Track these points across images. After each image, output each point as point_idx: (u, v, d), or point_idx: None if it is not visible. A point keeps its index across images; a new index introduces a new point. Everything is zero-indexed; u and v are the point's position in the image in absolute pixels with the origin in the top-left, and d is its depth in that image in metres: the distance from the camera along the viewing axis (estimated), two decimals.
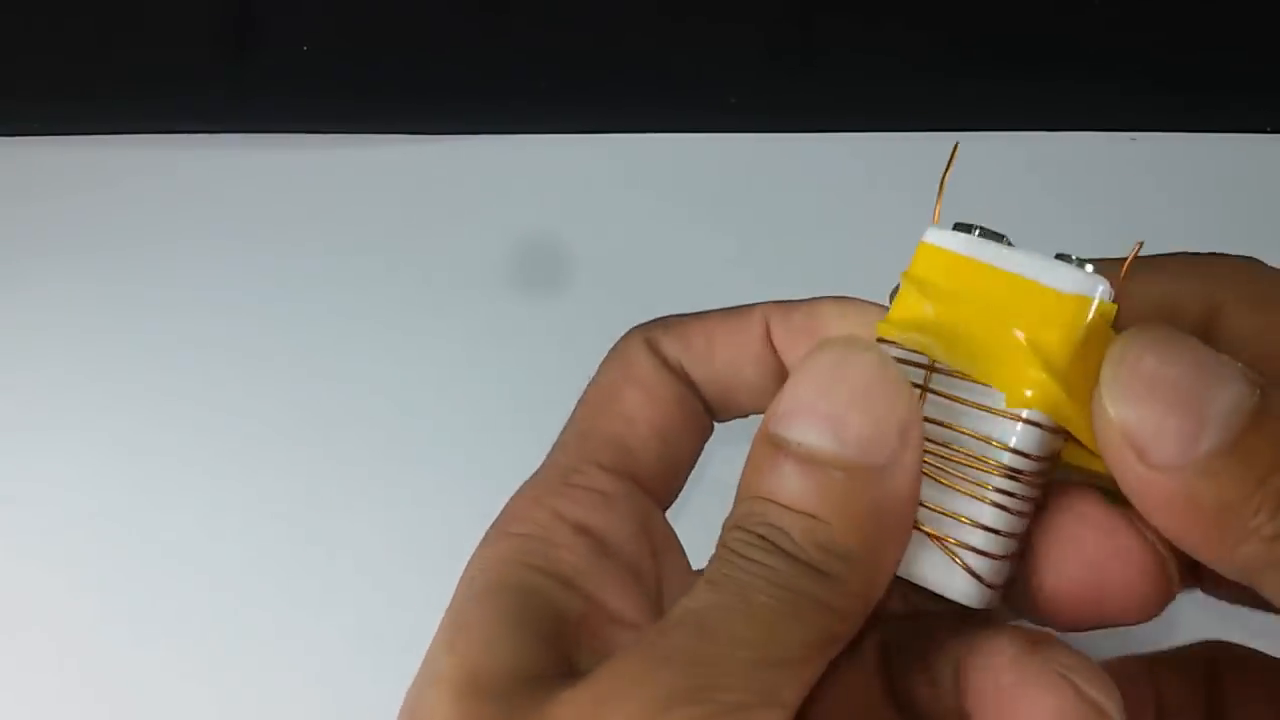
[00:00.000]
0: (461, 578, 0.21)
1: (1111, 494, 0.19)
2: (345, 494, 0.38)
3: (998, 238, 0.21)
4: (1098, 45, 0.48)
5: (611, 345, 0.24)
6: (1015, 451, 0.19)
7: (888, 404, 0.18)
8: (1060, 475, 0.21)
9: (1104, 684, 0.19)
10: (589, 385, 0.23)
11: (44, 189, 0.48)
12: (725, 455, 0.23)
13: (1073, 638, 0.20)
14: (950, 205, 0.47)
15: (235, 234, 0.46)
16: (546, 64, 0.49)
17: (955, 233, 0.22)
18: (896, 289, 0.22)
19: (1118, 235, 0.48)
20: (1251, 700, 0.24)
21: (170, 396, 0.41)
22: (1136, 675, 0.24)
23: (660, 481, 0.23)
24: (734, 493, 0.19)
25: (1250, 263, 0.23)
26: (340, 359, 0.42)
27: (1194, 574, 0.23)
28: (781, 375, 0.22)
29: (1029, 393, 0.19)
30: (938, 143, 0.51)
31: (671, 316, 0.23)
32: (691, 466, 0.24)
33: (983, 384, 0.19)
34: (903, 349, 0.20)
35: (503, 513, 0.22)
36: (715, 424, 0.24)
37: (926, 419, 0.19)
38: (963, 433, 0.19)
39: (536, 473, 0.23)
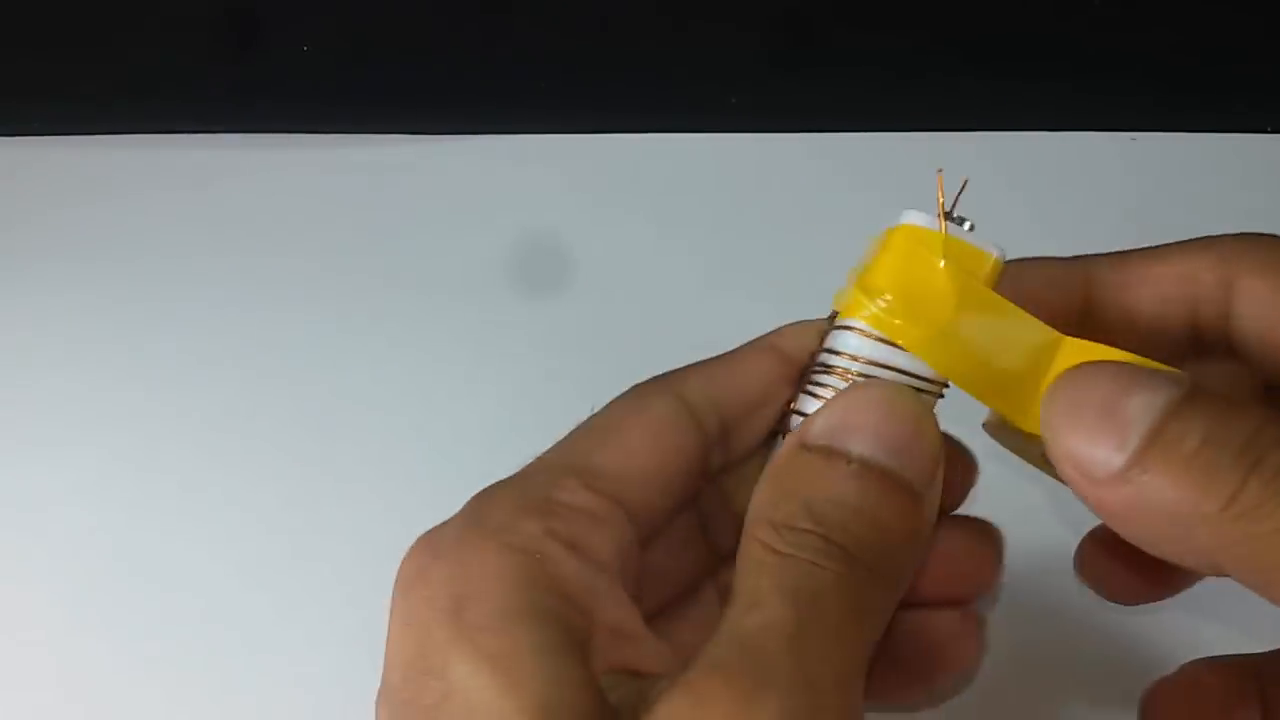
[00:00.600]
0: (450, 574, 0.20)
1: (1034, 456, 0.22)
2: (344, 492, 0.38)
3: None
4: (1098, 45, 0.48)
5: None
6: (827, 349, 0.23)
7: (934, 440, 0.21)
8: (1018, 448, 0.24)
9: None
10: (592, 415, 0.23)
11: (44, 189, 0.48)
12: None
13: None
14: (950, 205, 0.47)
15: (235, 234, 0.46)
16: (547, 64, 0.49)
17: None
18: None
19: (1118, 235, 0.48)
20: None
21: (170, 396, 0.41)
22: (1244, 674, 0.26)
23: (646, 516, 0.22)
24: None
25: (1267, 238, 0.24)
26: (340, 359, 0.42)
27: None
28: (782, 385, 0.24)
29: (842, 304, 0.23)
30: (938, 143, 0.51)
31: (686, 366, 0.24)
32: (677, 510, 0.24)
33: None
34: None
35: (478, 511, 0.21)
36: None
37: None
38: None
39: (513, 480, 0.22)
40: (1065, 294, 0.25)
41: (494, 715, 0.18)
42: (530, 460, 0.23)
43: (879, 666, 0.21)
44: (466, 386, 0.41)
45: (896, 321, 0.22)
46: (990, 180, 0.46)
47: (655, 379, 0.23)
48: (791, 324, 0.25)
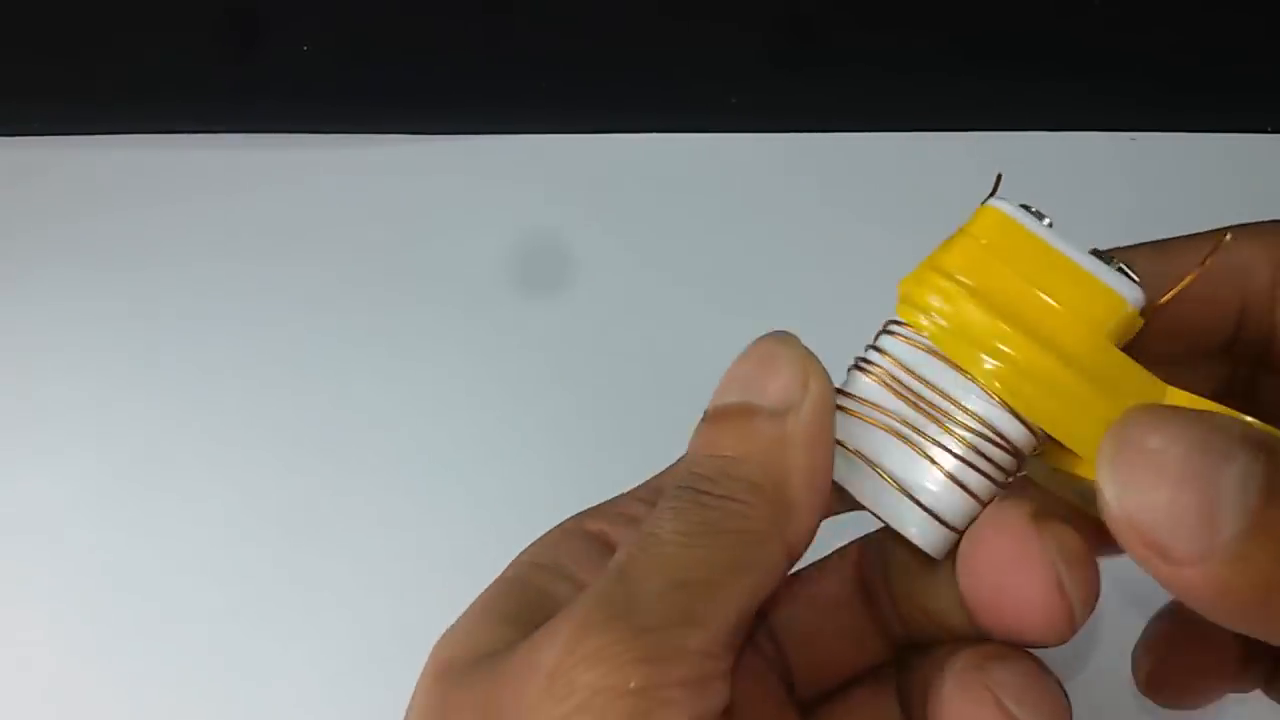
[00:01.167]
0: None
1: (1087, 502, 0.19)
2: (344, 491, 0.38)
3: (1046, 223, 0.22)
4: (1098, 45, 0.48)
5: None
6: (982, 422, 0.20)
7: (789, 360, 0.20)
8: (1047, 479, 0.21)
9: (1036, 705, 0.19)
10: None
11: (45, 189, 0.48)
12: None
13: None
14: (951, 205, 0.47)
15: (235, 234, 0.46)
16: (547, 64, 0.49)
17: (1018, 207, 0.23)
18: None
19: (1118, 235, 0.48)
20: None
21: (171, 396, 0.41)
22: None
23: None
24: None
25: None
26: (340, 358, 0.42)
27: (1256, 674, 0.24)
28: None
29: (998, 384, 0.19)
30: (938, 143, 0.51)
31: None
32: None
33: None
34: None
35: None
36: None
37: (912, 375, 0.20)
38: (939, 393, 0.20)
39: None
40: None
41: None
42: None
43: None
44: (466, 386, 0.41)
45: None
46: (990, 180, 0.47)
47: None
48: None
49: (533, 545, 0.22)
